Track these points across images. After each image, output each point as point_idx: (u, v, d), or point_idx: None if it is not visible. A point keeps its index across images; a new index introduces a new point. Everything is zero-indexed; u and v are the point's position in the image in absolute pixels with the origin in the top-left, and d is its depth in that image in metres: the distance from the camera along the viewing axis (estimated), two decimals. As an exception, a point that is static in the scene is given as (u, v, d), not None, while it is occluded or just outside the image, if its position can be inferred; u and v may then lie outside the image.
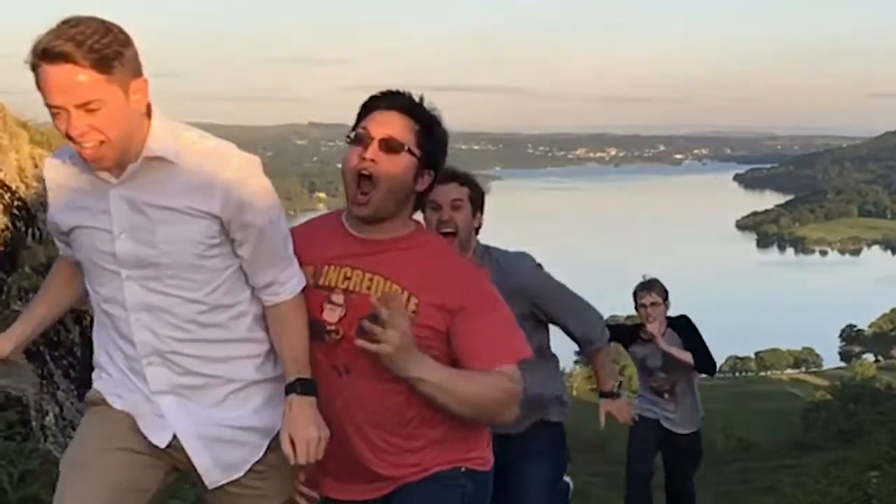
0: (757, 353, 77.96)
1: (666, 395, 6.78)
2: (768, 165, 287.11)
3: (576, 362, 60.78)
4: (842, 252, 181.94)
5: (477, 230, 4.03)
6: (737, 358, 74.58)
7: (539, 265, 4.22)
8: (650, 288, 6.76)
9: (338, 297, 2.75)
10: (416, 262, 2.75)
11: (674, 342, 6.63)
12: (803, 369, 77.75)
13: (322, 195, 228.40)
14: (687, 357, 6.55)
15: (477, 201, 3.98)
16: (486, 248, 4.11)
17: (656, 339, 6.62)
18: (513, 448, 3.90)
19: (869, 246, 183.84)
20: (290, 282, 2.70)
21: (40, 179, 9.04)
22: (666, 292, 6.79)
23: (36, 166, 9.04)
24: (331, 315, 2.74)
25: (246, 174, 2.59)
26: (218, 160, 2.58)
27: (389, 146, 2.70)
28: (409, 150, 2.72)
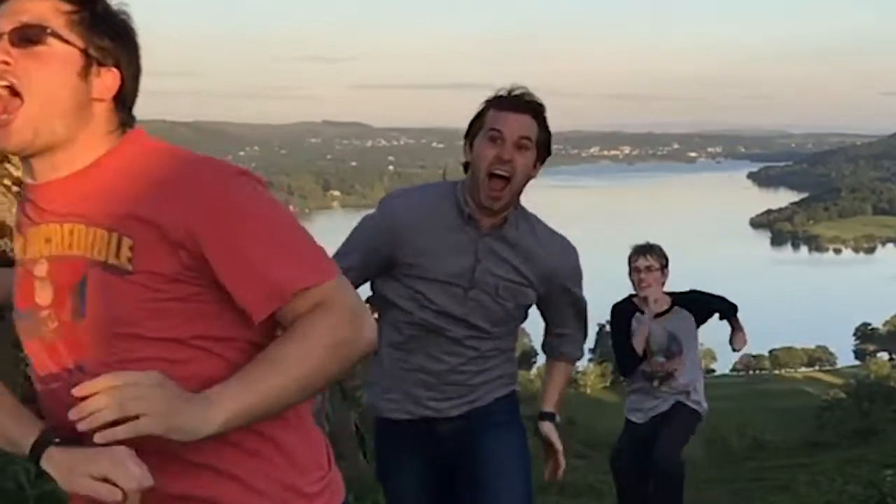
0: (771, 352, 77.68)
1: (656, 383, 5.97)
2: (782, 163, 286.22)
3: (589, 360, 61.05)
4: (856, 250, 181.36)
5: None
6: (751, 356, 74.19)
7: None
8: (646, 251, 5.94)
9: (41, 269, 1.88)
10: (123, 188, 1.82)
11: (683, 326, 5.92)
12: (817, 367, 77.45)
13: (336, 193, 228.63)
14: (741, 339, 6.14)
15: (543, 148, 3.22)
16: (528, 213, 3.36)
17: (647, 306, 5.86)
18: (478, 417, 3.36)
19: (883, 244, 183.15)
20: None
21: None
22: (665, 259, 5.96)
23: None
24: (43, 296, 1.87)
25: None
26: None
27: (25, 37, 1.79)
28: (59, 37, 1.79)
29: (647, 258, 5.89)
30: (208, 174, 1.81)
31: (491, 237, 3.23)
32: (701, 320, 6.06)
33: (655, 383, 5.96)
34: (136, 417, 1.63)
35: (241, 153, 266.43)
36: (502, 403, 3.43)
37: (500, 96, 3.19)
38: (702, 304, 6.09)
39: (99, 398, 1.63)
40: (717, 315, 6.21)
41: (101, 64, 1.84)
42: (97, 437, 1.65)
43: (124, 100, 1.89)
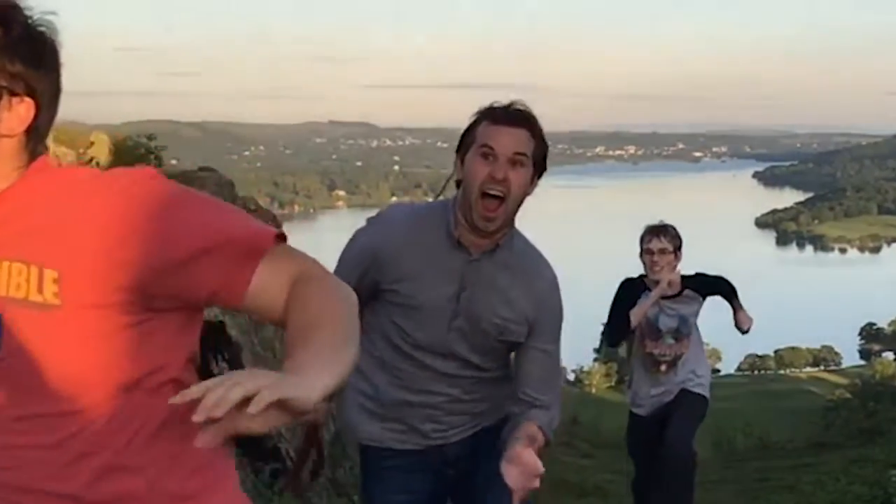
0: (776, 352, 77.59)
1: (663, 367, 5.71)
2: (787, 163, 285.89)
3: (595, 360, 60.98)
4: (861, 250, 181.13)
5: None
6: (756, 356, 74.19)
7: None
8: (660, 232, 5.59)
9: None
10: (41, 218, 1.61)
11: (692, 309, 5.69)
12: (822, 367, 77.35)
13: (341, 193, 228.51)
14: (745, 320, 5.79)
15: (539, 163, 2.94)
16: (521, 234, 3.10)
17: (662, 283, 5.53)
18: (484, 435, 3.21)
19: (889, 244, 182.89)
20: None
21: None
22: (679, 240, 5.62)
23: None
24: None
25: None
26: None
27: None
28: None
29: (661, 240, 5.55)
30: (131, 182, 1.64)
31: (482, 261, 2.98)
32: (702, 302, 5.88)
33: (663, 367, 5.71)
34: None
35: (247, 153, 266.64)
36: (505, 420, 3.25)
37: (493, 108, 2.92)
38: (705, 285, 5.86)
39: (213, 392, 1.35)
40: (716, 297, 5.95)
41: (13, 94, 1.61)
42: (251, 408, 1.34)
43: (37, 130, 1.67)
